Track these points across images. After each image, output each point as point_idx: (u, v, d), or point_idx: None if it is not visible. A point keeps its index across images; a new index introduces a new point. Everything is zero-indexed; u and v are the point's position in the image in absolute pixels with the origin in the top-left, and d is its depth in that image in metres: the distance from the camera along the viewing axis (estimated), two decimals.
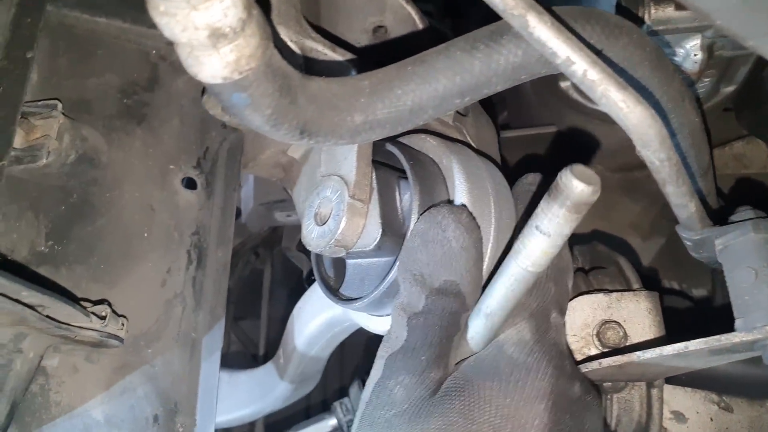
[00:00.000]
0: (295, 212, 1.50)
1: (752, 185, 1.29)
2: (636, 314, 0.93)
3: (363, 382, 1.51)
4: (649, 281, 1.07)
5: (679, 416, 1.02)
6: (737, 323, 0.74)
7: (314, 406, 1.79)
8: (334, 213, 0.85)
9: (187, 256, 1.02)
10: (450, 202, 0.85)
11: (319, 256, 0.97)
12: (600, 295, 0.95)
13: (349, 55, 0.91)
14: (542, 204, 0.63)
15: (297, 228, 1.71)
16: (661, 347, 0.79)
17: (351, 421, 1.45)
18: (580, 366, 0.86)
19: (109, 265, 0.95)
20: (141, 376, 0.93)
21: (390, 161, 0.91)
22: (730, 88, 1.11)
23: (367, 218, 0.84)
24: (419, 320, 0.75)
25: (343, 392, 1.61)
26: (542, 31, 0.61)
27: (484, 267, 0.84)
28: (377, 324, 0.93)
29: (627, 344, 0.91)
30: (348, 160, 0.86)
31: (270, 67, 0.59)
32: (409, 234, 0.81)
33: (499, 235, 0.85)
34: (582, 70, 0.61)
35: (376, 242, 0.84)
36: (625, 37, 0.71)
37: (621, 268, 1.03)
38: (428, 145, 0.92)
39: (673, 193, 0.70)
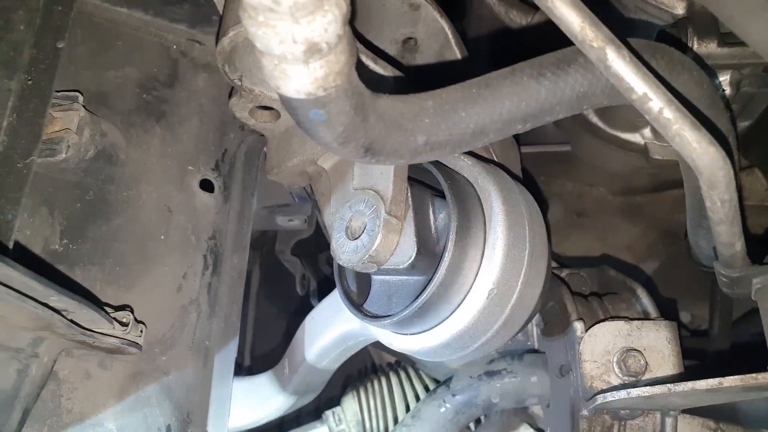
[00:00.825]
0: (296, 217, 1.48)
1: (751, 217, 1.32)
2: (656, 343, 0.94)
3: (357, 392, 1.49)
4: None
5: None
6: None
7: (288, 420, 1.73)
8: (368, 228, 0.83)
9: (204, 260, 0.99)
10: (485, 223, 0.85)
11: (342, 269, 0.95)
12: (621, 323, 0.96)
13: (389, 69, 0.89)
14: None
15: (291, 232, 1.68)
16: (693, 381, 0.79)
17: (343, 431, 1.43)
18: (607, 395, 0.86)
19: (125, 267, 0.91)
20: (155, 385, 0.89)
21: (423, 179, 0.90)
22: (746, 123, 1.13)
23: (402, 236, 0.83)
24: None
25: (330, 403, 1.58)
26: (620, 65, 0.61)
27: (517, 289, 0.83)
28: (401, 342, 0.92)
29: (647, 373, 0.92)
30: (384, 175, 0.85)
31: (350, 84, 0.57)
32: None
33: (533, 258, 0.85)
34: (658, 107, 0.61)
35: (410, 261, 0.83)
36: (686, 73, 0.72)
37: (638, 296, 1.04)
38: (463, 165, 0.90)
39: (725, 232, 0.71)
